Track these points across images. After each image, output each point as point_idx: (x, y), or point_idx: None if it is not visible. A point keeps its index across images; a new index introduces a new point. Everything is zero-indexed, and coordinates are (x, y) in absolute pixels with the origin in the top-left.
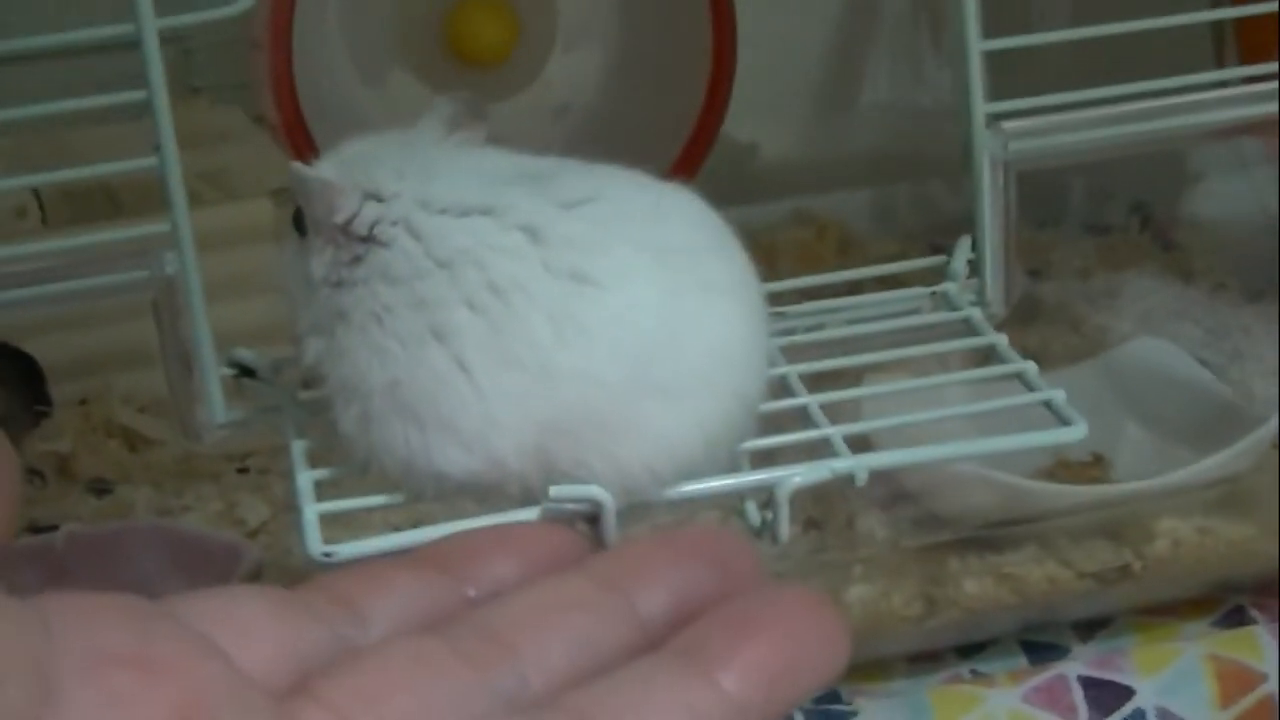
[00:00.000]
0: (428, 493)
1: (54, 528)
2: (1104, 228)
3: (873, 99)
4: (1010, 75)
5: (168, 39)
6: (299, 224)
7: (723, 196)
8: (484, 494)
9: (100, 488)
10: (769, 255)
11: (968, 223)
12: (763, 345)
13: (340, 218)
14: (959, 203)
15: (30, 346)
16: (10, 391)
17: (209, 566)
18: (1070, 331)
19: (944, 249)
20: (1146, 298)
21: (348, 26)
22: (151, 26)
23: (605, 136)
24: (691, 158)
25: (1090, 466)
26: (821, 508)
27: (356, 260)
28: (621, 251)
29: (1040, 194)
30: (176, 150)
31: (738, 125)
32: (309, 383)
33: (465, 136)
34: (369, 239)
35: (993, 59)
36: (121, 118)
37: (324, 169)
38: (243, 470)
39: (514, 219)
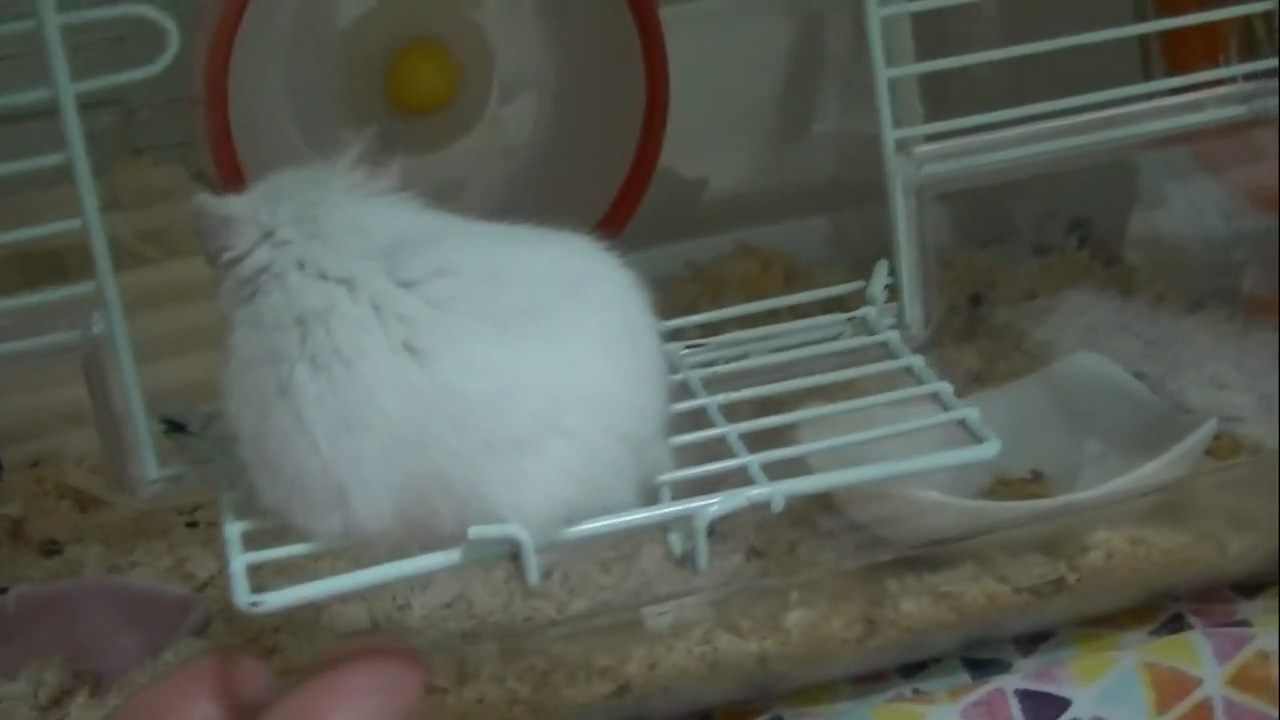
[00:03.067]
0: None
1: (3, 590)
2: (1046, 247)
3: (818, 129)
4: (947, 100)
5: (106, 100)
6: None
7: (669, 231)
8: (362, 550)
9: (51, 549)
10: (715, 288)
11: None
12: (647, 382)
13: (230, 255)
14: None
15: None
16: None
17: (158, 621)
18: (1014, 349)
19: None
20: (1088, 313)
21: (288, 81)
22: (69, 90)
23: (550, 175)
24: (630, 193)
25: (1029, 483)
26: (764, 537)
27: (250, 298)
28: (455, 324)
29: (983, 215)
30: (101, 211)
31: (684, 159)
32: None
33: (378, 176)
34: (255, 279)
35: (928, 85)
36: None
37: (240, 202)
38: (192, 524)
39: (365, 292)
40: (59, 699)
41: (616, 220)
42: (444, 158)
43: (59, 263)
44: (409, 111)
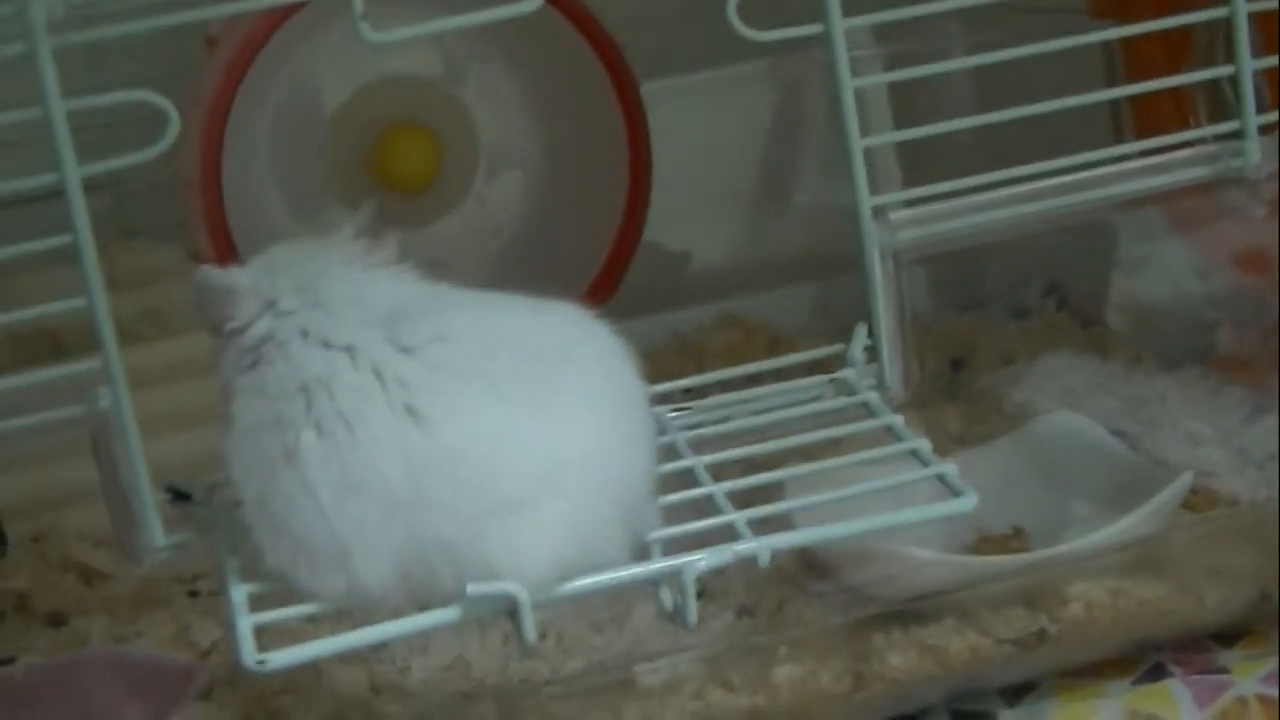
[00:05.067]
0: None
1: (12, 660)
2: (1024, 310)
3: (800, 200)
4: (925, 167)
5: (100, 184)
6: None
7: (654, 302)
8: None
9: (57, 620)
10: (700, 358)
11: None
12: (637, 444)
13: (234, 324)
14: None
15: None
16: None
17: (163, 689)
18: (994, 411)
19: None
20: (1066, 374)
21: (277, 162)
22: (75, 174)
23: (535, 251)
24: (614, 267)
25: (1011, 539)
26: (753, 595)
27: (252, 366)
28: (453, 388)
29: (961, 280)
30: (104, 290)
31: (667, 231)
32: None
33: (376, 249)
34: (258, 348)
35: (903, 148)
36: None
37: (242, 273)
38: (193, 594)
39: (366, 359)
40: None
41: (601, 294)
42: (430, 235)
43: (56, 341)
44: (396, 190)
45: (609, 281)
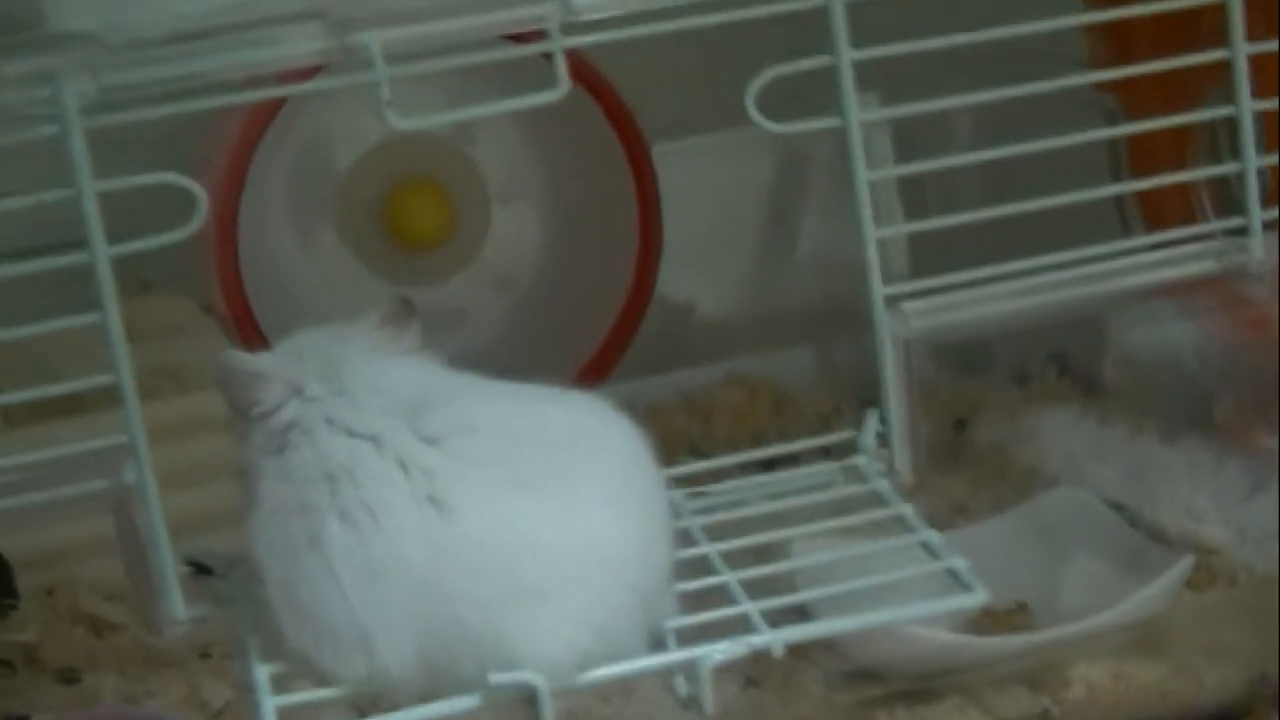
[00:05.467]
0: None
1: (24, 718)
2: (1025, 376)
3: (803, 255)
4: (928, 248)
5: (112, 238)
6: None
7: (659, 361)
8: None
9: (68, 676)
10: (705, 418)
11: None
12: (655, 534)
13: (260, 409)
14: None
15: None
16: None
17: None
18: (997, 478)
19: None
20: (1068, 442)
21: (291, 218)
22: (104, 255)
23: (547, 305)
24: (628, 320)
25: (1013, 614)
26: (760, 668)
27: (279, 451)
28: (476, 478)
29: (964, 346)
30: (130, 368)
31: (672, 285)
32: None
33: (400, 336)
34: (284, 433)
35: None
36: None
37: (269, 358)
38: (205, 655)
39: (391, 449)
40: None
41: (613, 350)
42: (444, 290)
43: (75, 396)
44: (409, 246)
45: (620, 339)
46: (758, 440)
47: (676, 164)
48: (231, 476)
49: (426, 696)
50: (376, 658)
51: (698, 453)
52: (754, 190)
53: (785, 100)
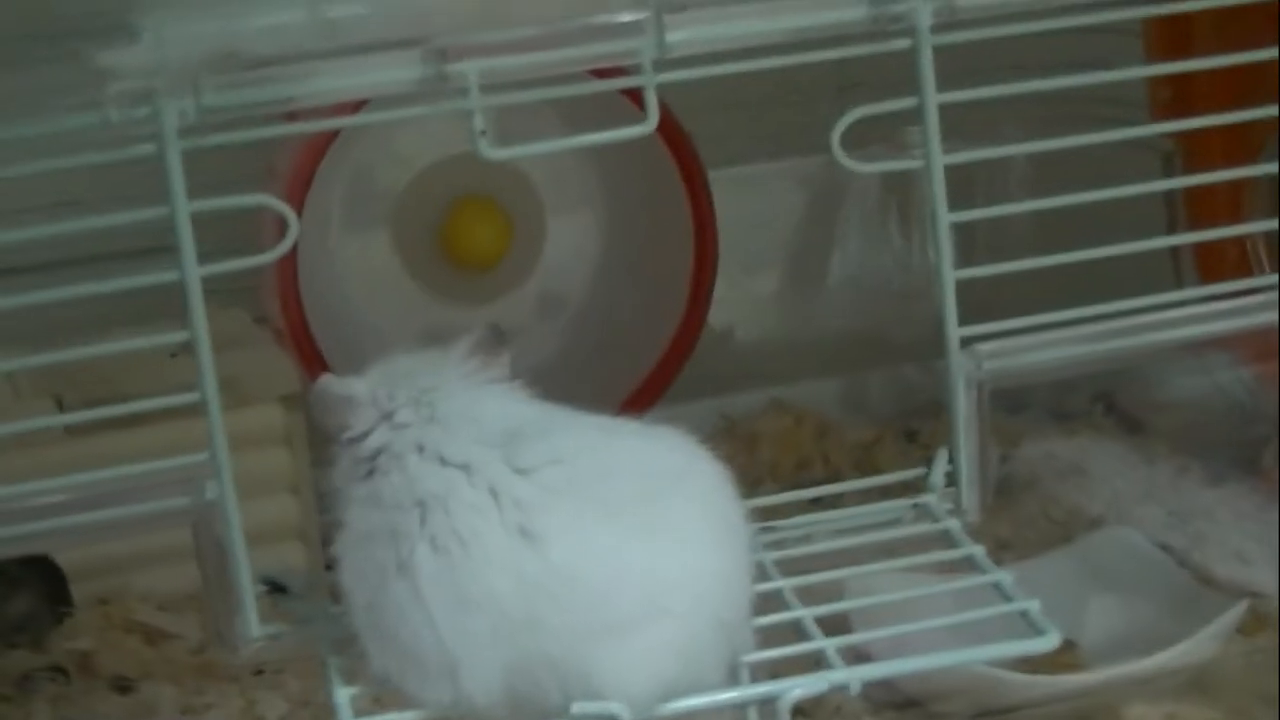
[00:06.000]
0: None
1: None
2: (1070, 413)
3: (845, 282)
4: (976, 288)
5: (163, 248)
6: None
7: (702, 385)
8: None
9: (122, 685)
10: (750, 444)
11: (938, 406)
12: (739, 568)
13: (351, 434)
14: (932, 385)
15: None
16: (33, 593)
17: None
18: (1042, 516)
19: (917, 433)
20: (1113, 481)
21: (348, 234)
22: (195, 274)
23: (596, 329)
24: (680, 347)
25: (1062, 653)
26: (812, 700)
27: (368, 475)
28: (567, 509)
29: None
30: (217, 388)
31: (718, 318)
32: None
33: (491, 364)
34: (374, 459)
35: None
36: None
37: (361, 383)
38: (259, 672)
39: (482, 478)
40: None
41: (663, 375)
42: (498, 309)
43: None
44: (463, 264)
45: (671, 365)
46: (803, 467)
47: (719, 191)
48: (288, 491)
49: None
50: (462, 685)
51: (746, 479)
52: (794, 213)
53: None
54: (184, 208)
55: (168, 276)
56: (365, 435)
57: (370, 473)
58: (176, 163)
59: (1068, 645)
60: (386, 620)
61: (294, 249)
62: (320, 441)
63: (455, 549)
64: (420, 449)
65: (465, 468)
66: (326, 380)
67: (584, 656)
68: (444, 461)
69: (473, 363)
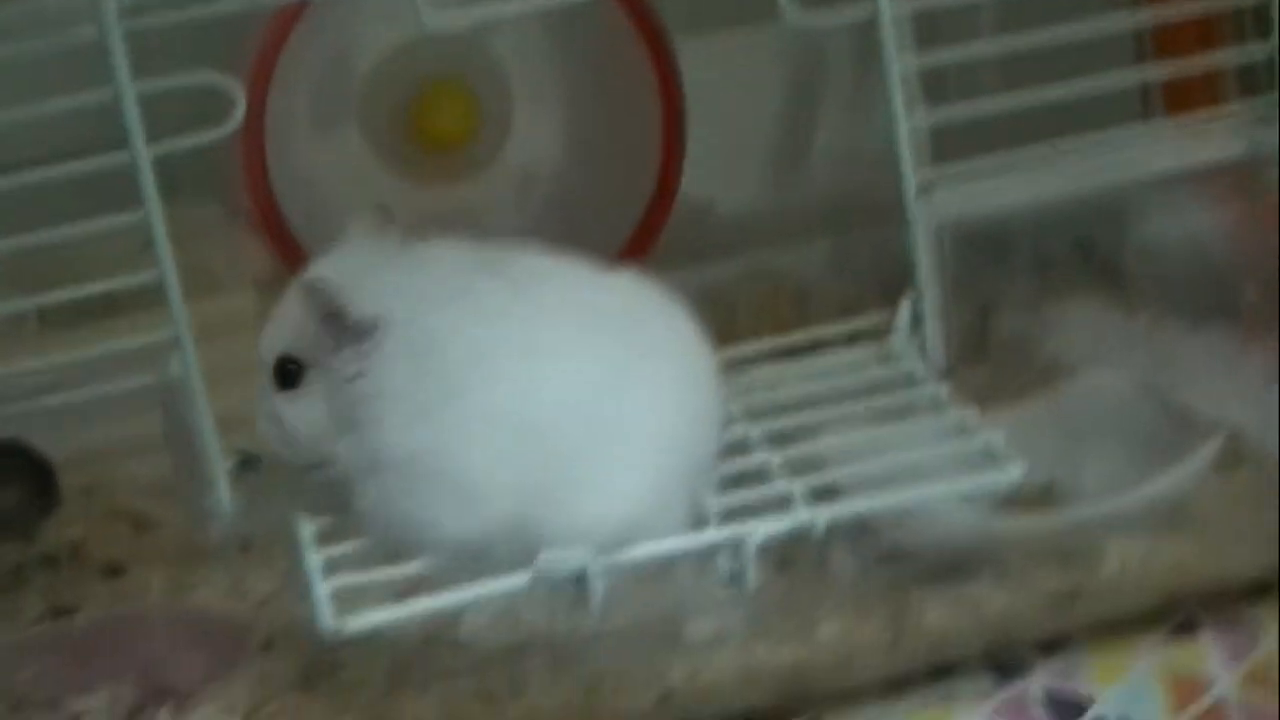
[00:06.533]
0: (441, 561)
1: (72, 611)
2: (1049, 262)
3: (824, 149)
4: (950, 133)
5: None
6: (283, 375)
7: (679, 256)
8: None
9: (113, 570)
10: (728, 313)
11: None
12: (712, 405)
13: (357, 314)
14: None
15: (33, 439)
16: (20, 487)
17: (224, 640)
18: (1022, 366)
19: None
20: (1094, 328)
21: (316, 119)
22: (144, 155)
23: (569, 206)
24: (652, 221)
25: (1042, 496)
26: (793, 548)
27: (372, 350)
28: (569, 326)
29: (985, 232)
30: (173, 265)
31: (691, 181)
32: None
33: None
34: (374, 331)
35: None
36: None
37: (343, 268)
38: (245, 549)
39: (485, 304)
40: (135, 714)
41: (638, 249)
42: (467, 190)
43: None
44: (432, 146)
45: (646, 239)
46: (781, 332)
47: (691, 60)
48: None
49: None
50: (487, 513)
51: (725, 347)
52: (767, 82)
53: None
54: (130, 88)
55: (117, 158)
56: (370, 308)
57: (375, 347)
58: (119, 43)
59: (1048, 489)
60: (425, 466)
61: (261, 135)
62: None
63: (473, 378)
64: (418, 297)
65: (464, 296)
66: (315, 276)
67: (588, 471)
68: (445, 300)
69: (396, 233)
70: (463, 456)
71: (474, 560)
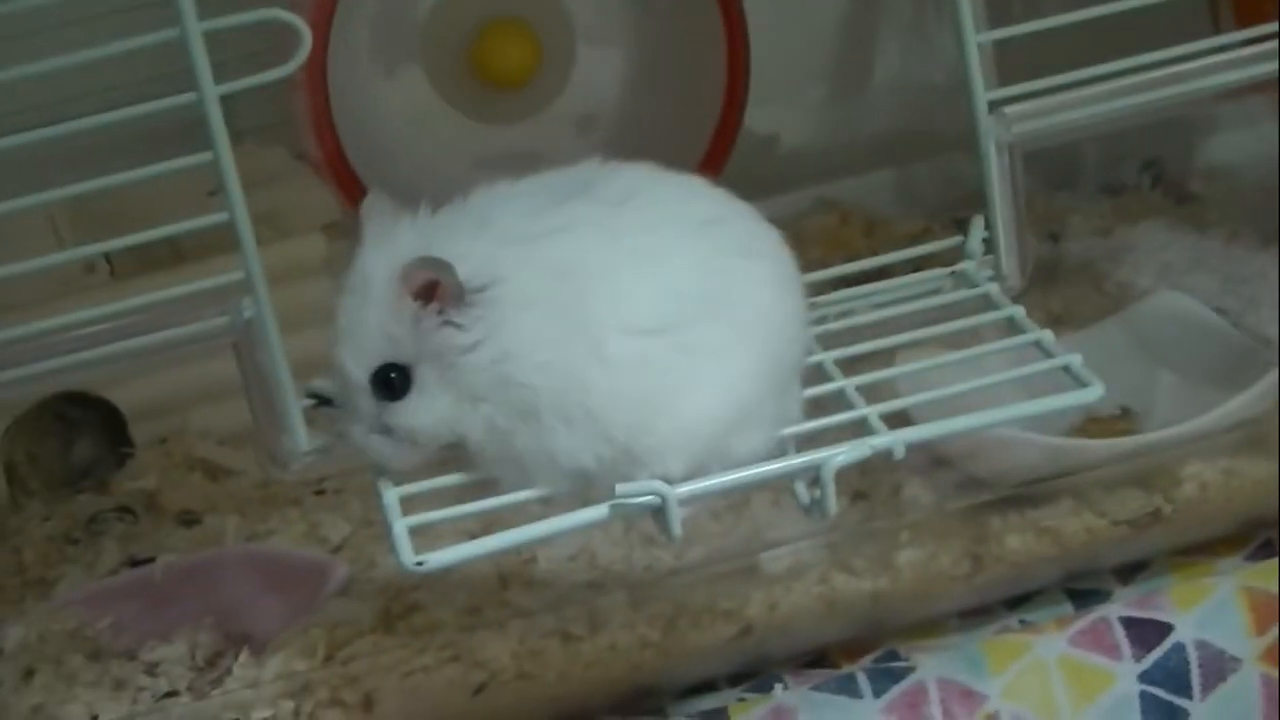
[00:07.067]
0: (561, 490)
1: (150, 560)
2: (1118, 187)
3: (886, 79)
4: (1017, 55)
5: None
6: (390, 387)
7: (746, 189)
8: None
9: (188, 519)
10: (797, 244)
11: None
12: (799, 311)
13: (477, 281)
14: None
15: (106, 392)
16: (95, 437)
17: (301, 584)
18: (1093, 290)
19: (967, 223)
20: (1164, 251)
21: (378, 60)
22: (212, 93)
23: (631, 142)
24: (716, 156)
25: (1119, 420)
26: (868, 480)
27: (488, 311)
28: (672, 232)
29: (1054, 158)
30: (245, 204)
31: (755, 116)
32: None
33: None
34: (486, 289)
35: (998, 42)
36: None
37: (447, 235)
38: (320, 492)
39: (586, 224)
40: (213, 660)
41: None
42: (528, 128)
43: (174, 244)
44: (494, 85)
45: (710, 171)
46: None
47: None
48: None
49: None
50: (604, 439)
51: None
52: (833, 10)
53: None
54: (196, 27)
55: (185, 99)
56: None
57: (493, 303)
58: None
59: (1124, 412)
60: (556, 399)
61: (324, 78)
62: None
63: (612, 294)
64: (520, 239)
65: (566, 228)
66: (424, 258)
67: (629, 430)
68: (543, 234)
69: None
70: (597, 378)
71: (587, 488)
